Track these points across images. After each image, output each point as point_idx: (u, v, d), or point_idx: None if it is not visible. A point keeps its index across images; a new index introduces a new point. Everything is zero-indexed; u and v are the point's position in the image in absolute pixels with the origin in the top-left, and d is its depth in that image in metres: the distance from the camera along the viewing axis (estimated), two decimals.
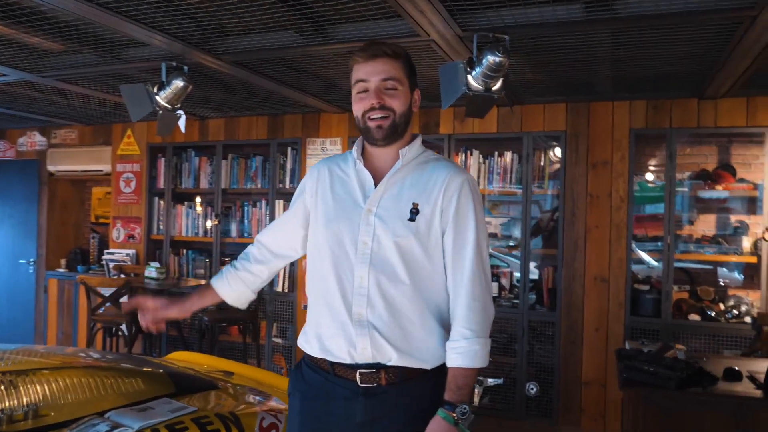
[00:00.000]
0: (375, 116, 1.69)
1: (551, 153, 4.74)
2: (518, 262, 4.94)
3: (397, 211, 1.70)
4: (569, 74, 3.83)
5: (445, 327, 1.70)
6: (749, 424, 2.23)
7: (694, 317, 4.14)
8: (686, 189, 4.41)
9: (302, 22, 2.92)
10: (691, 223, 4.50)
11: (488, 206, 5.00)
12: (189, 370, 3.17)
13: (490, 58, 2.79)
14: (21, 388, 2.37)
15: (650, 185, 4.59)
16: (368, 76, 1.69)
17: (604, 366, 4.37)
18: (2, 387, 2.33)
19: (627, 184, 4.36)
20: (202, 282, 5.51)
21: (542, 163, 4.72)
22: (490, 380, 4.63)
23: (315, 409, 1.76)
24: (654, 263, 4.57)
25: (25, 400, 2.33)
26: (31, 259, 6.64)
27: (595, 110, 4.49)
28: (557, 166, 4.72)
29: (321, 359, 1.75)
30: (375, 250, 1.69)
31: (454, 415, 1.58)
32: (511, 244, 4.82)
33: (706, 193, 4.41)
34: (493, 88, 2.94)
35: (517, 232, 4.77)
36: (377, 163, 1.78)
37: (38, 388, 2.43)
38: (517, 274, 4.90)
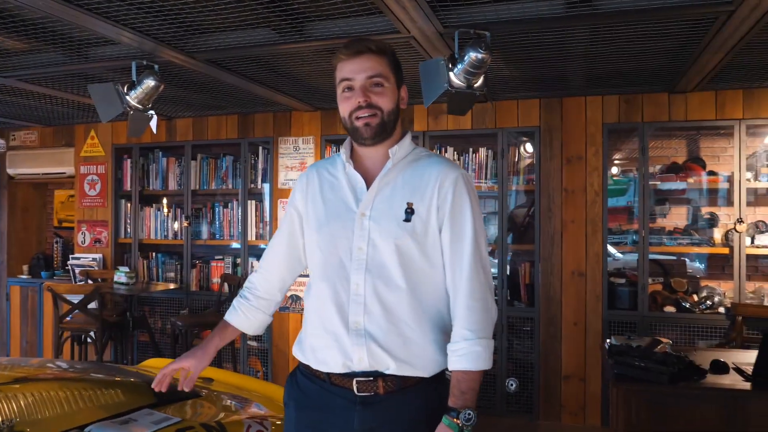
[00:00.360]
0: (362, 115, 1.63)
1: (522, 148, 4.76)
2: (494, 259, 4.97)
3: (391, 213, 1.64)
4: (544, 70, 3.84)
5: (447, 332, 1.65)
6: (740, 416, 2.26)
7: (670, 309, 4.21)
8: (657, 182, 4.48)
9: (280, 19, 2.86)
10: (663, 215, 4.57)
11: None
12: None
13: (472, 55, 2.78)
14: None
15: (615, 178, 4.66)
16: (353, 74, 1.63)
17: (583, 360, 4.42)
18: None
19: (601, 179, 4.41)
20: (171, 286, 5.39)
21: (516, 159, 4.74)
22: None
23: (311, 418, 1.70)
24: (620, 255, 4.64)
25: (0, 416, 2.23)
26: None
27: (568, 105, 4.52)
28: (529, 161, 4.74)
29: (316, 369, 1.70)
30: (371, 255, 1.63)
31: (458, 421, 1.52)
32: (488, 240, 4.82)
33: (676, 185, 4.49)
34: (475, 85, 2.92)
35: (493, 229, 4.78)
36: (367, 164, 1.72)
37: (12, 402, 2.32)
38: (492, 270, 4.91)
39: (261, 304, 1.92)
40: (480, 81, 2.95)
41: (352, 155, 1.74)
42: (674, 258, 4.59)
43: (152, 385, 1.95)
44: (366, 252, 1.64)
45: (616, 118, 4.41)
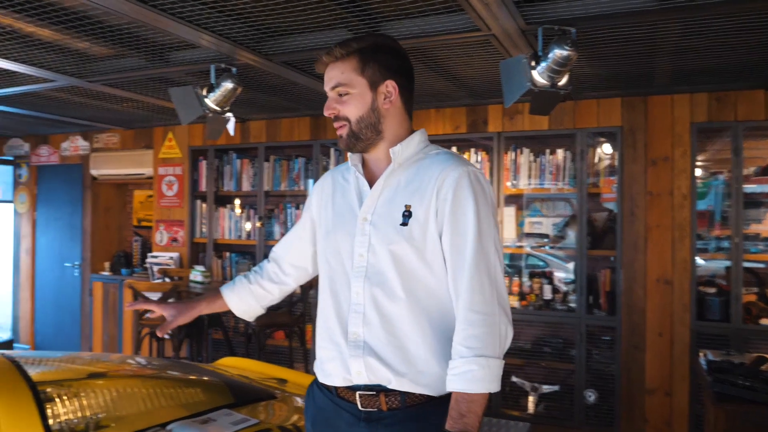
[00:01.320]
0: (336, 125, 1.60)
1: (600, 150, 4.56)
2: (562, 262, 4.79)
3: (389, 217, 1.54)
4: (628, 67, 3.66)
5: None
6: None
7: (766, 321, 3.93)
8: (752, 185, 4.19)
9: (358, 19, 2.82)
10: (759, 220, 4.28)
11: (539, 206, 4.85)
12: (244, 378, 3.11)
13: (557, 52, 2.66)
14: (82, 397, 2.33)
15: (701, 181, 4.39)
16: (325, 87, 1.60)
17: (668, 373, 4.18)
18: (64, 397, 2.29)
19: (689, 181, 4.16)
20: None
21: (596, 161, 4.55)
22: (545, 387, 4.51)
23: None
24: (702, 262, 4.37)
25: (86, 410, 2.28)
26: (76, 262, 6.69)
27: (653, 104, 4.30)
28: (608, 162, 4.54)
29: (323, 382, 1.64)
30: (371, 262, 1.54)
31: None
32: (564, 245, 4.65)
33: None
34: (559, 84, 2.80)
35: (570, 233, 4.60)
36: (374, 168, 1.64)
37: (98, 398, 2.38)
38: (560, 274, 4.75)
39: (257, 291, 1.91)
40: (564, 79, 2.82)
41: (363, 158, 1.68)
42: None
43: (127, 306, 2.03)
44: (366, 259, 1.55)
45: (705, 117, 4.16)
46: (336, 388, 1.59)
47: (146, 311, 4.99)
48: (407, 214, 1.51)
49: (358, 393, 1.53)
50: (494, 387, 1.41)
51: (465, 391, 1.40)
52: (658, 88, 4.18)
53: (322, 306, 1.65)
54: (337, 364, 1.57)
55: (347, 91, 1.56)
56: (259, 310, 1.95)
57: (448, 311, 1.52)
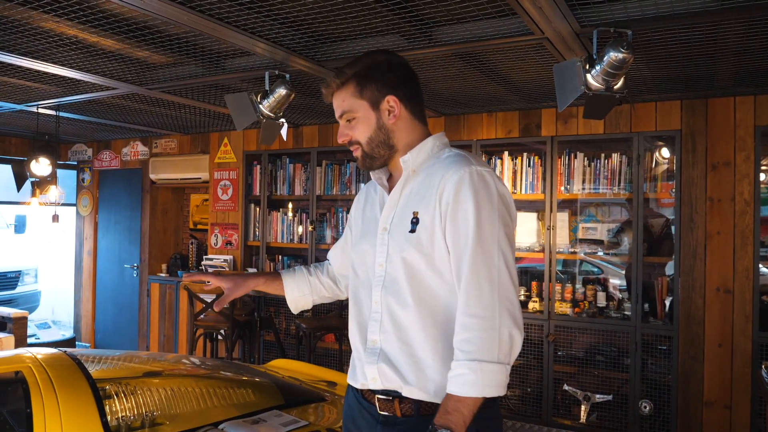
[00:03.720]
0: (351, 150, 1.67)
1: (657, 154, 4.43)
2: (617, 269, 4.67)
3: (402, 225, 1.57)
4: (688, 69, 3.54)
5: None
6: None
7: None
8: None
9: (410, 24, 2.82)
10: None
11: (593, 211, 4.74)
12: (294, 380, 3.15)
13: (613, 55, 2.60)
14: (138, 395, 2.40)
15: (766, 187, 4.21)
16: (336, 115, 1.67)
17: (729, 385, 4.02)
18: (122, 394, 2.37)
19: (753, 186, 4.00)
20: None
21: (653, 165, 4.42)
22: (598, 396, 4.40)
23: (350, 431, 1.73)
24: (766, 270, 4.18)
25: (142, 408, 2.35)
26: (135, 264, 6.92)
27: (714, 107, 4.15)
28: (666, 167, 4.41)
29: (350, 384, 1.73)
30: (389, 270, 1.58)
31: None
32: (619, 251, 4.53)
33: None
34: (615, 87, 2.73)
35: (625, 239, 4.49)
36: (396, 177, 1.68)
37: (153, 396, 2.45)
38: (615, 281, 4.63)
39: (315, 283, 1.96)
40: (620, 83, 2.76)
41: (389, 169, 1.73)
42: None
43: (184, 278, 2.01)
44: (385, 268, 1.58)
45: None
46: (361, 391, 1.66)
47: (201, 312, 5.12)
48: (415, 221, 1.54)
49: (377, 396, 1.58)
50: (490, 392, 1.39)
51: (456, 394, 1.40)
52: (719, 90, 4.04)
53: (350, 313, 1.73)
54: (356, 369, 1.66)
55: (353, 116, 1.62)
56: (309, 303, 1.99)
57: None
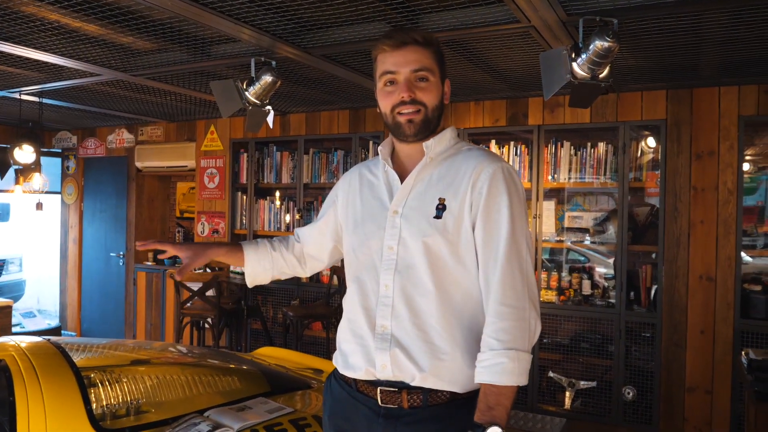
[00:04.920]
0: (405, 111, 1.55)
1: (643, 143, 4.46)
2: (603, 258, 4.71)
3: (422, 210, 1.53)
4: (673, 59, 3.56)
5: None
6: None
7: None
8: None
9: (396, 12, 2.81)
10: None
11: (580, 200, 4.77)
12: (280, 368, 3.16)
13: (598, 44, 2.61)
14: (123, 383, 2.40)
15: (746, 175, 4.25)
16: (397, 67, 1.55)
17: (710, 371, 4.08)
18: (107, 382, 2.36)
19: (736, 176, 4.04)
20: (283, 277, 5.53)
21: (639, 154, 4.45)
22: (582, 383, 4.45)
23: (338, 427, 1.63)
24: (749, 259, 4.24)
25: (127, 396, 2.35)
26: (121, 252, 6.88)
27: (699, 96, 4.18)
28: (651, 156, 4.44)
29: (344, 374, 1.63)
30: (401, 255, 1.53)
31: None
32: (605, 240, 4.57)
33: None
34: (600, 76, 2.74)
35: (610, 227, 4.52)
36: (406, 162, 1.64)
37: (139, 384, 2.45)
38: (601, 270, 4.67)
39: (277, 259, 1.85)
40: (605, 71, 2.77)
41: (393, 153, 1.68)
42: None
43: (138, 246, 1.82)
44: (396, 252, 1.54)
45: (754, 110, 4.02)
46: (356, 381, 1.58)
47: (188, 300, 5.10)
48: (441, 207, 1.51)
49: (379, 389, 1.52)
50: (523, 380, 1.41)
51: (494, 383, 1.39)
52: (704, 80, 4.07)
53: (349, 299, 1.65)
54: (359, 357, 1.56)
55: (428, 77, 1.55)
56: (268, 279, 1.88)
57: (477, 308, 1.51)
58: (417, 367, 1.48)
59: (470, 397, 1.47)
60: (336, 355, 1.67)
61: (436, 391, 1.48)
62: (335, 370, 1.69)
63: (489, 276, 1.47)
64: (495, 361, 1.40)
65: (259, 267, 1.84)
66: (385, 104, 1.59)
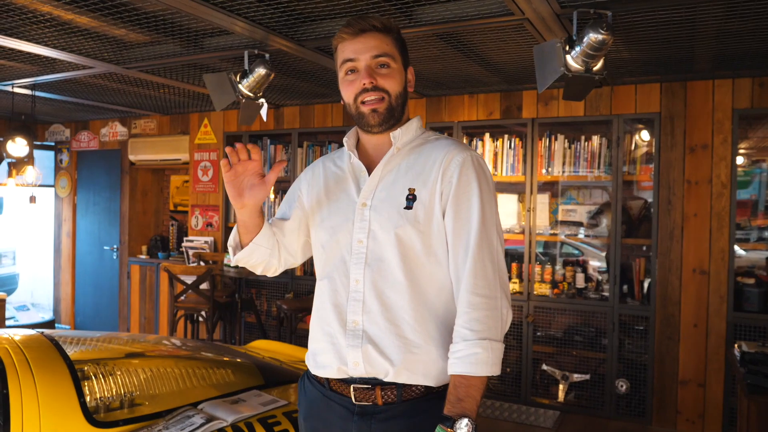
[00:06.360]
0: (368, 99, 1.51)
1: (637, 137, 4.47)
2: (597, 251, 4.72)
3: (392, 201, 1.50)
4: (667, 51, 3.56)
5: None
6: None
7: None
8: None
9: (389, 4, 2.80)
10: None
11: (574, 194, 4.78)
12: (274, 361, 3.16)
13: (592, 36, 2.60)
14: (117, 376, 2.40)
15: (740, 169, 4.26)
16: (356, 54, 1.50)
17: (703, 365, 4.10)
18: (101, 375, 2.35)
19: (729, 169, 4.05)
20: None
21: (633, 148, 4.46)
22: (575, 376, 4.47)
23: (314, 428, 1.60)
24: (742, 252, 4.26)
25: (121, 388, 2.35)
26: (115, 246, 6.86)
27: (693, 89, 4.18)
28: (645, 150, 4.44)
29: (316, 374, 1.58)
30: (371, 248, 1.49)
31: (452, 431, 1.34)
32: (599, 233, 4.58)
33: None
34: (594, 69, 2.74)
35: (603, 220, 4.53)
36: (372, 153, 1.60)
37: (132, 377, 2.45)
38: (595, 263, 4.68)
39: (275, 250, 1.67)
40: (599, 64, 2.77)
41: (358, 144, 1.63)
42: None
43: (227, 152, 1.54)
44: (366, 245, 1.50)
45: (748, 104, 4.03)
46: (329, 380, 1.54)
47: (182, 293, 5.09)
48: (411, 198, 1.49)
49: (352, 386, 1.49)
50: (496, 370, 1.39)
51: (469, 374, 1.37)
52: (698, 74, 4.07)
53: (318, 296, 1.60)
54: (330, 355, 1.52)
55: (389, 63, 1.51)
56: (263, 263, 1.68)
57: (450, 300, 1.49)
58: (389, 362, 1.45)
59: (443, 391, 1.45)
60: (307, 355, 1.63)
61: (410, 385, 1.46)
62: (308, 370, 1.65)
63: (460, 265, 1.45)
64: (469, 352, 1.37)
65: (266, 245, 1.65)
66: (347, 94, 1.55)
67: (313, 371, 1.59)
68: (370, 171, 1.57)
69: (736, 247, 4.14)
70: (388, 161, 1.55)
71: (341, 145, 1.68)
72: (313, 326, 1.60)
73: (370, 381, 1.48)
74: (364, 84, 1.49)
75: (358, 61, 1.50)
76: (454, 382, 1.39)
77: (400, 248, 1.47)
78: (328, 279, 1.57)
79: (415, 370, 1.45)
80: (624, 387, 4.25)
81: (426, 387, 1.46)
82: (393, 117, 1.53)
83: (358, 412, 1.48)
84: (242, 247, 1.65)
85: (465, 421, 1.33)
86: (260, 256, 1.66)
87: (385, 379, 1.46)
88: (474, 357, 1.37)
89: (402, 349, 1.45)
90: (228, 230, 6.02)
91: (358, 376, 1.48)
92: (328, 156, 1.71)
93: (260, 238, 1.63)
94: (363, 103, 1.52)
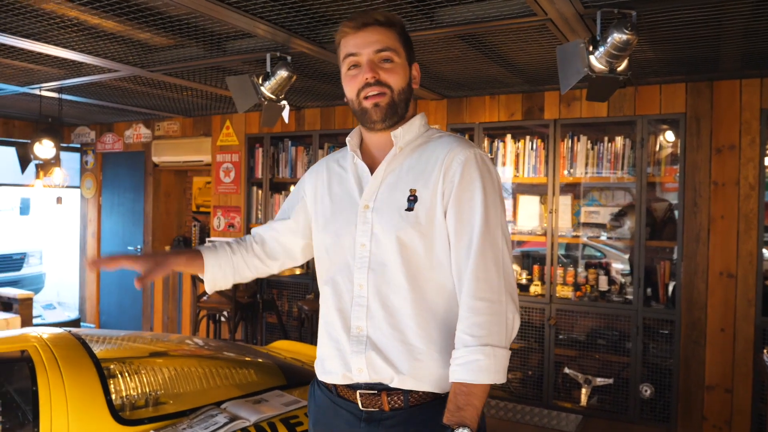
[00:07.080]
0: (371, 93, 1.47)
1: (661, 137, 4.41)
2: (620, 253, 4.67)
3: (394, 203, 1.46)
4: (693, 51, 3.51)
5: None
6: None
7: None
8: None
9: (411, 6, 2.80)
10: None
11: (596, 195, 4.73)
12: (296, 361, 3.17)
13: (617, 36, 2.57)
14: (142, 375, 2.42)
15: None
16: (358, 49, 1.46)
17: (730, 370, 4.03)
18: (126, 374, 2.39)
19: (758, 170, 3.97)
20: (298, 271, 5.56)
21: (657, 149, 4.40)
22: (599, 380, 4.42)
23: None
24: None
25: (146, 387, 2.37)
26: (138, 246, 6.94)
27: (719, 89, 4.11)
28: (670, 151, 4.38)
29: (323, 380, 1.58)
30: (374, 251, 1.46)
31: None
32: (622, 235, 4.53)
33: None
34: (618, 69, 2.71)
35: (627, 222, 4.48)
36: (376, 153, 1.56)
37: (157, 375, 2.47)
38: (618, 266, 4.63)
39: (238, 264, 1.72)
40: (624, 64, 2.74)
41: (361, 144, 1.60)
42: None
43: (88, 263, 1.77)
44: (369, 248, 1.47)
45: None
46: (336, 386, 1.53)
47: (204, 293, 5.14)
48: (413, 199, 1.45)
49: (359, 392, 1.47)
50: (500, 378, 1.34)
51: (470, 382, 1.33)
52: (725, 73, 4.00)
53: (324, 300, 1.58)
54: (336, 361, 1.50)
55: (392, 58, 1.48)
56: (229, 284, 1.75)
57: (454, 304, 1.44)
58: (394, 369, 1.43)
59: None
60: (316, 361, 1.62)
61: (417, 391, 1.44)
62: (317, 376, 1.63)
63: (462, 268, 1.40)
64: (470, 359, 1.33)
65: (220, 273, 1.70)
66: (350, 89, 1.51)
67: (321, 377, 1.58)
68: (372, 171, 1.54)
69: (765, 250, 4.06)
70: (390, 161, 1.52)
71: None
72: (321, 331, 1.59)
73: (376, 386, 1.46)
74: (367, 78, 1.46)
75: (361, 56, 1.47)
76: (455, 389, 1.35)
77: (402, 251, 1.44)
78: (332, 284, 1.54)
79: (421, 377, 1.43)
80: (648, 392, 4.19)
81: (433, 393, 1.44)
82: (396, 113, 1.50)
83: (365, 418, 1.47)
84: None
85: (465, 430, 1.30)
86: (222, 282, 1.72)
87: (391, 385, 1.44)
88: (475, 364, 1.32)
89: (407, 355, 1.43)
90: (249, 231, 6.05)
91: (363, 381, 1.47)
92: (332, 156, 1.69)
93: (207, 273, 1.70)
94: (365, 98, 1.49)
